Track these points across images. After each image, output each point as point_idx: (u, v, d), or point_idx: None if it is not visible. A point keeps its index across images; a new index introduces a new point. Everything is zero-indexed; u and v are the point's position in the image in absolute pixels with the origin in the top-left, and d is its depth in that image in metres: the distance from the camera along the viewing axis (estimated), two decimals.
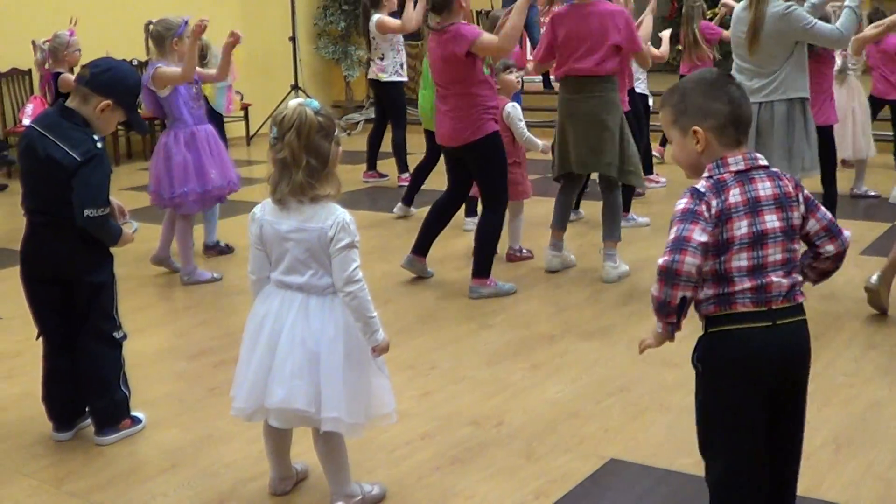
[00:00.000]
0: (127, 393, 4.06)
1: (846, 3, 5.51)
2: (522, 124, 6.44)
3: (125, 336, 4.05)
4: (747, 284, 2.67)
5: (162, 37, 6.13)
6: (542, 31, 6.76)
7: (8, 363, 4.93)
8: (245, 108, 12.56)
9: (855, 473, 3.65)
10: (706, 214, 2.65)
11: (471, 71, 5.68)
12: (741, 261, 2.67)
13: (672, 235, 2.67)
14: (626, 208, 7.65)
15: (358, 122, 13.59)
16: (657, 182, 9.23)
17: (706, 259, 2.66)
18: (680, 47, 9.88)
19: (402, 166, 9.43)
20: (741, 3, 5.74)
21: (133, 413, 4.11)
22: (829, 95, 6.87)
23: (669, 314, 2.73)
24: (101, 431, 4.02)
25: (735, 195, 2.67)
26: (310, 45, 13.86)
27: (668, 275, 2.67)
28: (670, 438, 3.97)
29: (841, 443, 3.89)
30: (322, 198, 3.22)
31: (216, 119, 7.13)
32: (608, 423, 4.14)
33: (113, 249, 3.98)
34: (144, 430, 4.12)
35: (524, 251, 6.73)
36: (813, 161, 5.70)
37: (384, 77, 9.30)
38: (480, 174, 5.93)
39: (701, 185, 2.70)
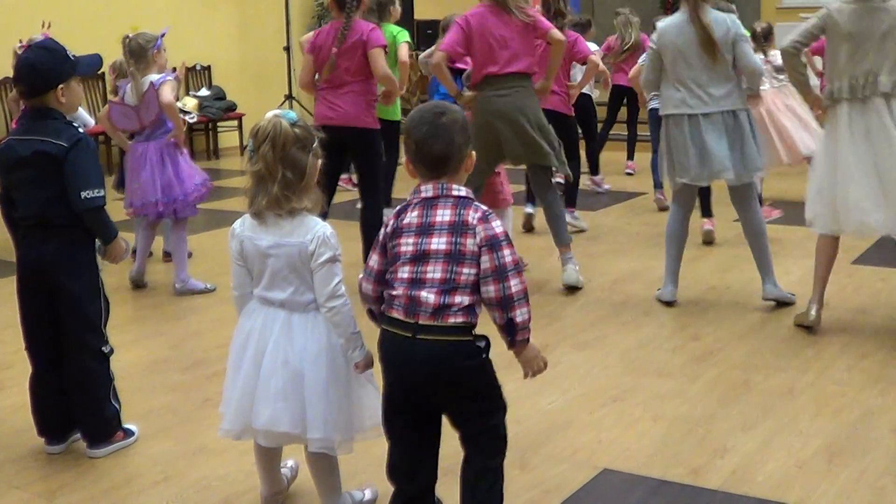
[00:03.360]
0: (117, 406, 4.05)
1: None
2: None
3: (112, 350, 4.04)
4: (401, 292, 2.93)
5: (143, 49, 6.23)
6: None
7: None
8: (239, 117, 12.57)
9: (847, 482, 3.66)
10: (382, 238, 3.04)
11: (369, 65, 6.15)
12: (404, 273, 2.94)
13: None
14: (573, 203, 7.87)
15: None
16: (599, 186, 9.54)
17: (383, 274, 3.03)
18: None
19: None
20: (670, 18, 5.69)
21: (125, 425, 4.10)
22: None
23: (371, 320, 3.15)
24: (94, 444, 4.01)
25: (412, 217, 2.98)
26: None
27: (359, 292, 3.12)
28: (663, 448, 3.97)
29: (833, 452, 3.90)
30: (299, 211, 3.20)
31: None
32: (601, 433, 4.14)
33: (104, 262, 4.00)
34: (137, 443, 4.11)
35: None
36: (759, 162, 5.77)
37: None
38: (368, 162, 6.29)
39: (398, 207, 3.05)
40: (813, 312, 5.28)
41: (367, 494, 3.53)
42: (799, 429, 4.13)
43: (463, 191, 2.99)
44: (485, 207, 2.99)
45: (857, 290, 6.00)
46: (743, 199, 5.79)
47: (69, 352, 3.96)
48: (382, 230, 3.04)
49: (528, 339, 3.04)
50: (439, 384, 2.96)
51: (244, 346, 3.31)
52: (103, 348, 4.00)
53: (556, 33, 6.03)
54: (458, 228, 2.92)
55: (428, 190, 2.99)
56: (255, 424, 3.26)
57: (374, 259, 3.04)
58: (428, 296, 2.88)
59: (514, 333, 2.97)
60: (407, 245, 2.95)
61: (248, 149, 3.19)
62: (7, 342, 5.24)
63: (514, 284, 2.89)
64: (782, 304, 5.71)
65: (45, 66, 3.86)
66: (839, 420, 4.20)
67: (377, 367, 3.19)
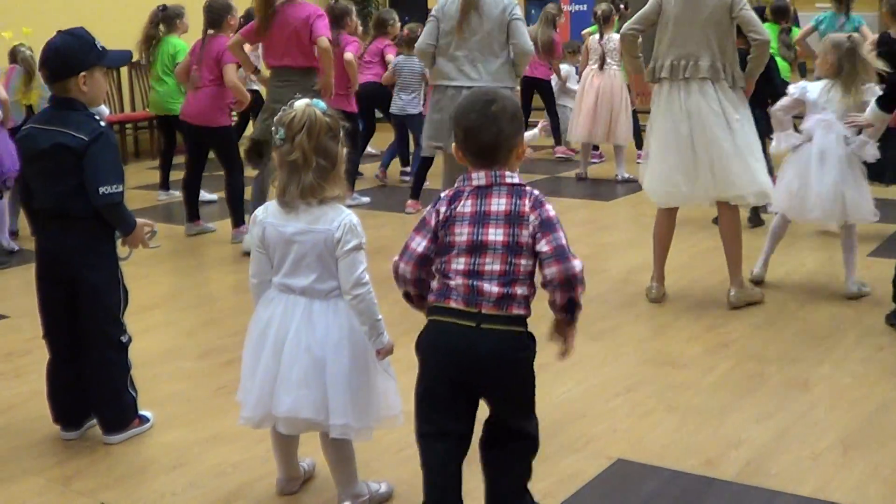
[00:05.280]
0: (135, 395, 4.07)
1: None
2: None
3: (130, 339, 4.05)
4: (460, 282, 2.87)
5: None
6: None
7: (16, 361, 4.94)
8: None
9: (862, 475, 3.65)
10: (432, 222, 2.95)
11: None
12: (459, 264, 2.88)
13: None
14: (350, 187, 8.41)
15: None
16: (383, 179, 9.83)
17: (431, 261, 2.95)
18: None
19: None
20: None
21: (141, 412, 4.11)
22: None
23: (407, 302, 3.10)
24: (110, 432, 4.02)
25: (466, 206, 2.91)
26: None
27: (393, 273, 3.03)
28: (677, 439, 3.96)
29: (848, 444, 3.89)
30: (330, 199, 3.21)
31: None
32: (615, 423, 4.14)
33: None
34: (152, 430, 4.12)
35: None
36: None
37: None
38: (224, 149, 7.51)
39: (445, 193, 2.98)
40: (654, 289, 5.75)
41: (383, 487, 3.54)
42: (814, 421, 4.12)
43: (516, 178, 2.93)
44: (537, 192, 2.92)
45: (873, 282, 5.96)
46: None
47: (88, 341, 3.96)
48: (434, 216, 2.94)
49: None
50: (501, 373, 2.91)
51: (264, 333, 3.31)
52: (122, 338, 4.00)
53: (323, 42, 6.59)
54: (515, 219, 2.86)
55: (480, 178, 2.91)
56: (277, 412, 3.26)
57: (419, 241, 2.95)
58: (491, 287, 2.84)
59: (574, 312, 2.94)
60: (461, 235, 2.88)
61: (279, 137, 3.17)
62: (24, 330, 5.26)
63: (577, 265, 2.84)
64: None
65: (68, 51, 3.82)
66: (854, 413, 4.19)
67: (399, 360, 3.19)
